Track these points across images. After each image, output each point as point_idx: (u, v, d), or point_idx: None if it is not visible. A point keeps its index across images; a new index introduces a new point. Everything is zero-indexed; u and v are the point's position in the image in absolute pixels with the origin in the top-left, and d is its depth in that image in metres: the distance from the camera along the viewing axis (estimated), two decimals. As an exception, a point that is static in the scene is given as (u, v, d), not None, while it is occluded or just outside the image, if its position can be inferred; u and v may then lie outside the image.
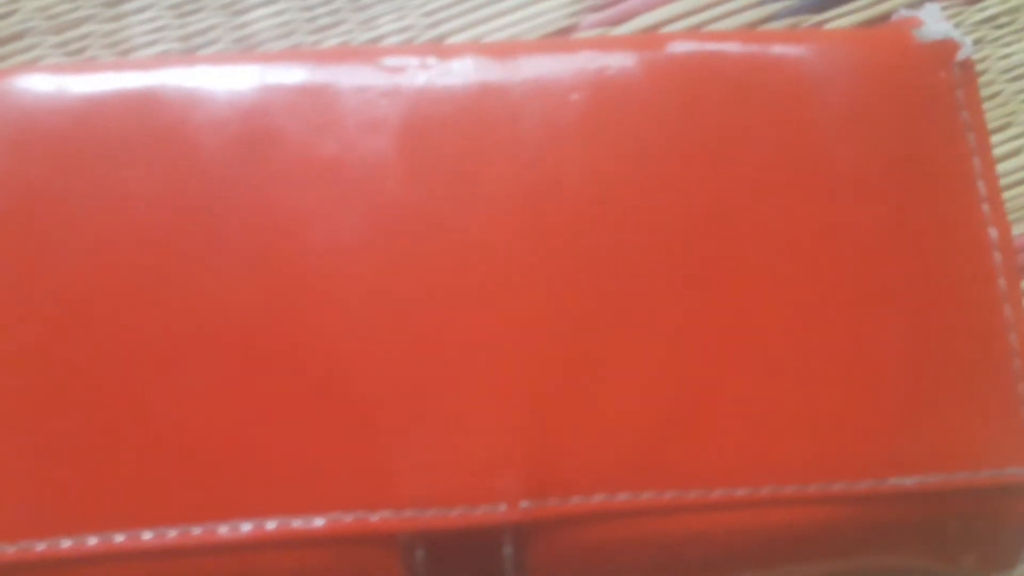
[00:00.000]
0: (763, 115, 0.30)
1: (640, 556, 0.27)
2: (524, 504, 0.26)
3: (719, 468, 0.27)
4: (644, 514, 0.27)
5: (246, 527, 0.26)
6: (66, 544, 0.26)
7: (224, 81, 0.30)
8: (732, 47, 0.31)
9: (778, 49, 0.31)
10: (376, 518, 0.26)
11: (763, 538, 0.27)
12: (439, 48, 0.31)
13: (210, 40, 0.36)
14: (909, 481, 0.27)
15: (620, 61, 0.30)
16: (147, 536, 0.26)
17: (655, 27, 0.36)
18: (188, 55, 0.35)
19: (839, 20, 0.37)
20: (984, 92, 0.36)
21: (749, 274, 0.28)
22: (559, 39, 0.36)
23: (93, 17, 0.36)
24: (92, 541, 0.26)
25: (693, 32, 0.35)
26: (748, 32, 0.35)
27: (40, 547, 0.26)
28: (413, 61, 0.30)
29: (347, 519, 0.26)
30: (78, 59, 0.36)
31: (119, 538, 0.26)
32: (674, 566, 0.27)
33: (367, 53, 0.31)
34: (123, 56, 0.36)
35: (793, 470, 0.27)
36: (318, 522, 0.26)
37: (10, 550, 0.26)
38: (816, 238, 0.29)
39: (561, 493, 0.27)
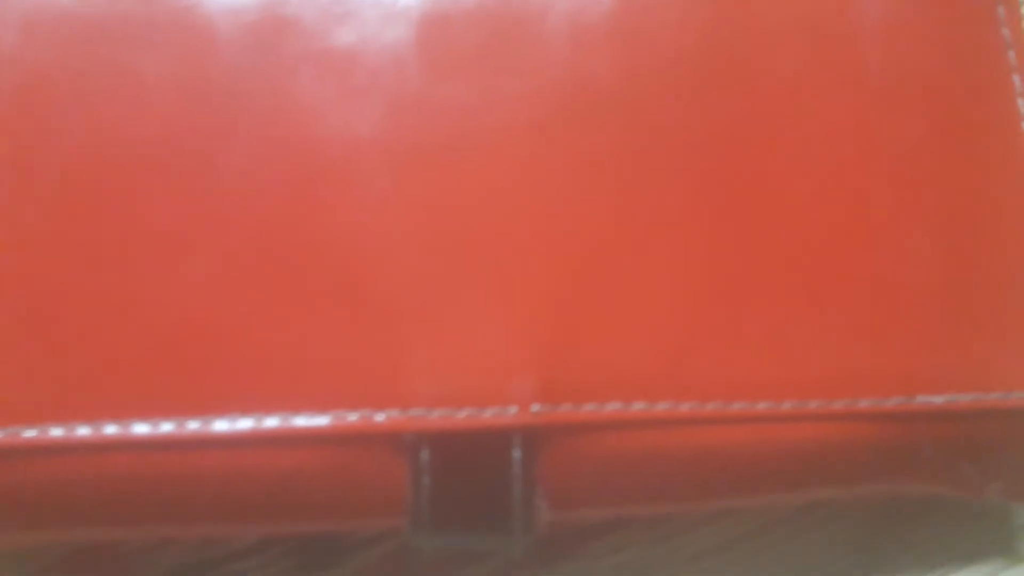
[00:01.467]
0: (799, 23, 0.28)
1: (654, 469, 0.26)
2: (535, 408, 0.25)
3: (740, 381, 0.26)
4: (659, 425, 0.26)
5: (245, 423, 0.25)
6: (56, 432, 0.25)
7: (239, -34, 0.28)
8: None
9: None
10: (382, 417, 0.25)
11: (784, 456, 0.26)
12: (462, -58, 0.30)
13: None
14: (938, 399, 0.26)
15: (652, -40, 0.29)
16: (140, 428, 0.25)
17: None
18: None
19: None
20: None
21: (779, 186, 0.27)
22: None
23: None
24: (83, 431, 0.25)
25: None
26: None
27: (29, 434, 0.25)
28: (435, -47, 0.29)
29: (351, 417, 0.25)
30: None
31: (110, 428, 0.25)
32: (690, 482, 0.26)
33: (388, -56, 0.29)
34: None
35: (818, 385, 0.26)
36: (321, 420, 0.25)
37: (2, 435, 0.25)
38: (850, 150, 0.28)
39: (574, 399, 0.25)
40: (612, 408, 0.26)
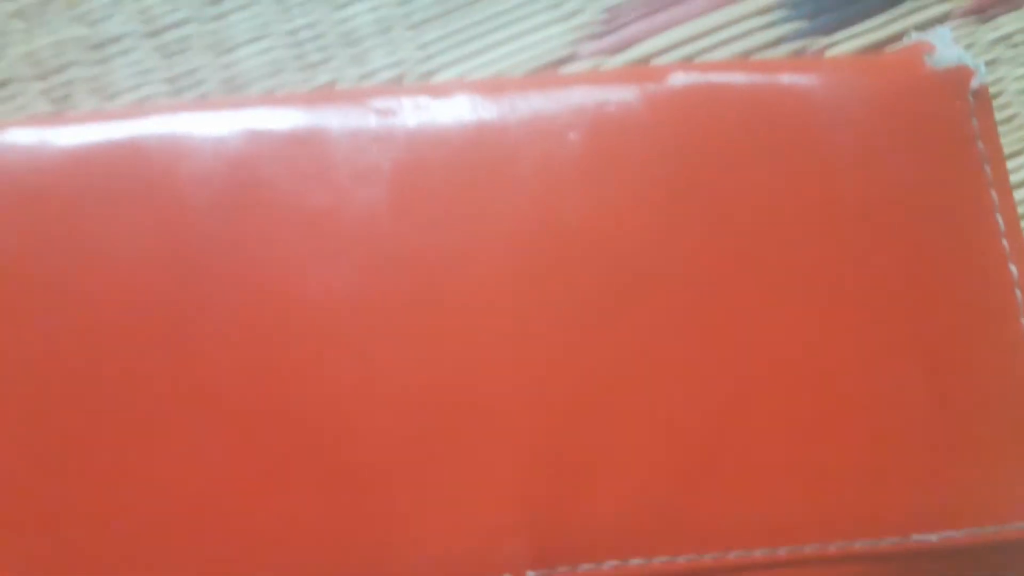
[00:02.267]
0: (770, 150, 0.29)
1: (655, 622, 0.26)
2: (530, 574, 0.25)
3: (735, 529, 0.26)
4: (657, 579, 0.26)
5: (241, 603, 0.25)
6: (53, 626, 0.25)
7: (209, 129, 0.29)
8: (736, 78, 0.29)
9: (784, 79, 0.30)
10: (377, 589, 0.25)
11: (782, 600, 0.26)
12: (432, 88, 0.30)
13: (197, 80, 0.35)
14: (933, 537, 0.26)
15: (618, 96, 0.29)
16: (137, 614, 0.25)
17: (656, 54, 0.35)
18: (171, 102, 0.34)
19: (848, 43, 0.35)
20: (999, 115, 0.34)
21: (760, 322, 0.27)
22: (555, 74, 0.34)
23: (77, 62, 0.35)
24: (80, 622, 0.25)
25: (695, 63, 0.33)
26: (753, 62, 0.34)
27: (26, 629, 0.25)
28: (405, 102, 0.29)
29: (347, 592, 0.25)
30: (63, 105, 0.35)
31: (109, 617, 0.25)
32: (690, 632, 0.26)
33: (357, 95, 0.30)
34: (109, 100, 0.35)
35: (813, 529, 0.26)
36: (317, 596, 0.25)
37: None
38: (830, 281, 0.28)
39: (570, 560, 0.25)
40: (609, 567, 0.26)
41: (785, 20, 0.36)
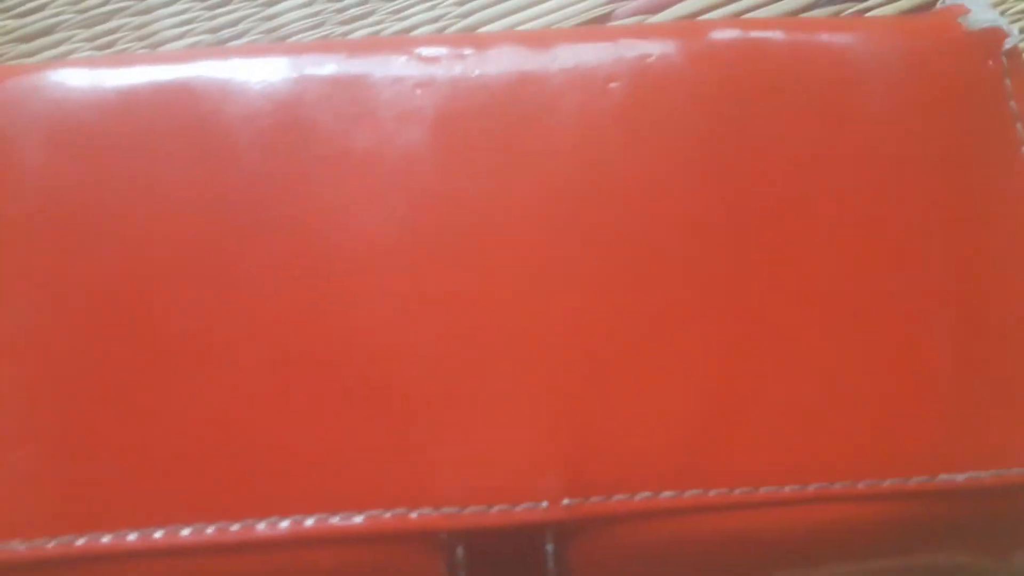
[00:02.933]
0: (807, 105, 0.29)
1: (684, 555, 0.26)
2: (566, 502, 0.26)
3: (765, 465, 0.27)
4: (689, 512, 0.26)
5: (284, 524, 0.26)
6: (106, 539, 0.25)
7: (257, 72, 0.29)
8: (775, 35, 0.30)
9: (822, 38, 0.30)
10: (415, 515, 0.26)
11: (811, 536, 0.27)
12: (474, 38, 0.31)
13: (240, 32, 0.36)
14: (960, 477, 0.27)
15: (660, 49, 0.30)
16: (185, 533, 0.26)
17: (693, 15, 0.36)
18: (220, 47, 0.35)
19: (882, 8, 0.36)
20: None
21: (792, 267, 0.28)
22: (596, 27, 0.35)
23: (123, 11, 0.36)
24: (132, 537, 0.25)
25: (735, 19, 0.34)
26: (791, 19, 0.34)
27: (80, 542, 0.25)
28: (448, 51, 0.30)
29: (386, 516, 0.26)
30: (109, 53, 0.35)
31: (158, 534, 0.26)
32: (719, 565, 0.27)
33: (401, 43, 0.30)
34: (153, 49, 0.35)
35: (841, 467, 0.27)
36: (357, 519, 0.26)
37: (50, 545, 0.25)
38: (861, 230, 0.28)
39: (604, 491, 0.26)
40: (641, 498, 0.26)
41: (819, -15, 0.36)
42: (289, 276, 0.27)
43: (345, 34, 0.36)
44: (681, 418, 0.27)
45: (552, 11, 0.36)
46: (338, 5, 0.36)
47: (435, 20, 0.36)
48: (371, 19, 0.36)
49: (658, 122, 0.29)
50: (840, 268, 0.28)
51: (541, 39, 0.30)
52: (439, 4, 0.36)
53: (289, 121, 0.29)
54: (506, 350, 0.27)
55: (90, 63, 0.30)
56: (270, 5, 0.36)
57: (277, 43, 0.35)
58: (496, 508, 0.26)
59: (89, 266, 0.27)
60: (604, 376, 0.27)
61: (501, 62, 0.29)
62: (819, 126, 0.29)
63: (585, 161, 0.28)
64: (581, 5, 0.36)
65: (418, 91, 0.29)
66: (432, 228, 0.28)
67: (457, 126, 0.29)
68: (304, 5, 0.36)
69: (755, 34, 0.30)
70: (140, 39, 0.35)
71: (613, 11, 0.36)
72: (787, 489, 0.26)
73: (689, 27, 0.31)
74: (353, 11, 0.36)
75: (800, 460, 0.27)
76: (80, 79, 0.29)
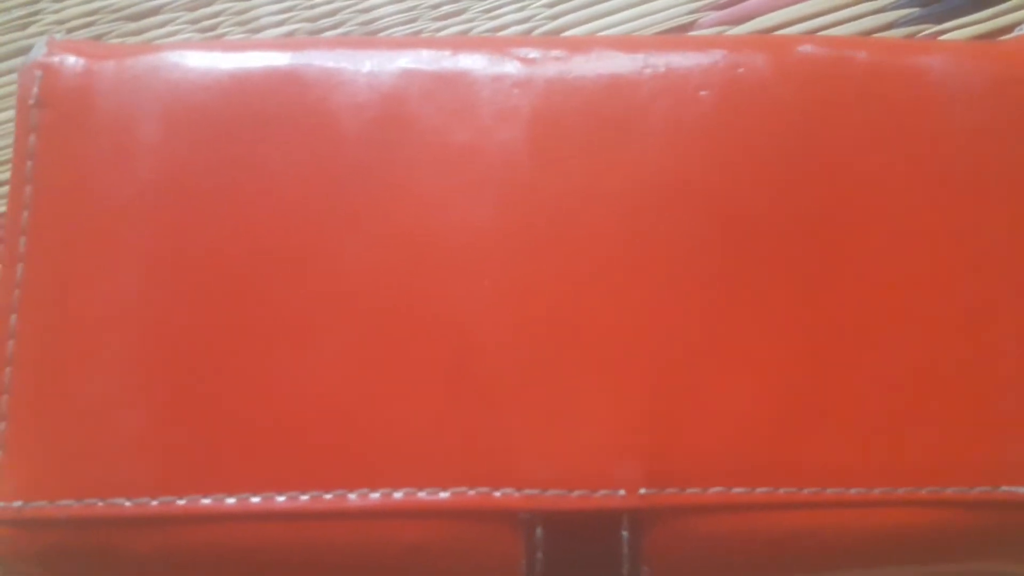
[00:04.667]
0: (889, 122, 0.30)
1: (751, 549, 0.28)
2: (643, 491, 0.27)
3: (833, 467, 0.28)
4: (758, 509, 0.28)
5: (375, 496, 0.27)
6: (206, 502, 0.27)
7: (363, 64, 0.31)
8: (861, 54, 0.31)
9: (906, 58, 0.31)
10: (499, 495, 0.27)
11: (873, 538, 0.28)
12: (571, 41, 0.32)
13: (337, 23, 0.37)
14: (1022, 489, 0.28)
15: (750, 60, 0.31)
16: (280, 499, 0.27)
17: (773, 29, 0.37)
18: (329, 38, 0.36)
19: (958, 31, 0.37)
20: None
21: (870, 277, 0.29)
22: (688, 36, 0.36)
23: (227, -5, 0.37)
24: (230, 501, 0.27)
25: (822, 37, 0.35)
26: (876, 39, 0.35)
27: (181, 502, 0.27)
28: (546, 53, 0.31)
29: (471, 494, 0.27)
30: (210, 36, 0.37)
31: (255, 500, 0.27)
32: (783, 561, 0.28)
33: (501, 43, 0.32)
34: (253, 34, 0.37)
35: (906, 473, 0.28)
36: (443, 495, 0.27)
37: (153, 503, 0.27)
38: (937, 245, 0.29)
39: (679, 483, 0.27)
40: (714, 492, 0.27)
41: (899, 6, 0.37)
42: (388, 261, 0.29)
43: (438, 30, 0.37)
44: (755, 417, 0.28)
45: (638, 17, 0.37)
46: (432, 1, 0.37)
47: (525, 20, 0.37)
48: (463, 16, 0.37)
49: (745, 131, 0.30)
50: (915, 280, 0.29)
51: (635, 45, 0.31)
52: (529, 5, 0.37)
53: (393, 114, 0.30)
54: (593, 342, 0.28)
55: (205, 46, 0.31)
56: (367, -2, 0.37)
57: (382, 37, 0.36)
58: (576, 492, 0.27)
59: (199, 241, 0.29)
60: (685, 372, 0.28)
61: (596, 66, 0.31)
62: (900, 144, 0.30)
63: (674, 165, 0.30)
64: (666, 12, 0.37)
65: (516, 90, 0.30)
66: (526, 222, 0.29)
67: (552, 125, 0.30)
68: (399, 0, 0.37)
69: (842, 52, 0.31)
70: (240, 24, 0.37)
71: (697, 20, 0.37)
72: (853, 491, 0.28)
73: (778, 41, 0.32)
74: (446, 8, 0.37)
75: (866, 464, 0.28)
76: (196, 61, 0.30)
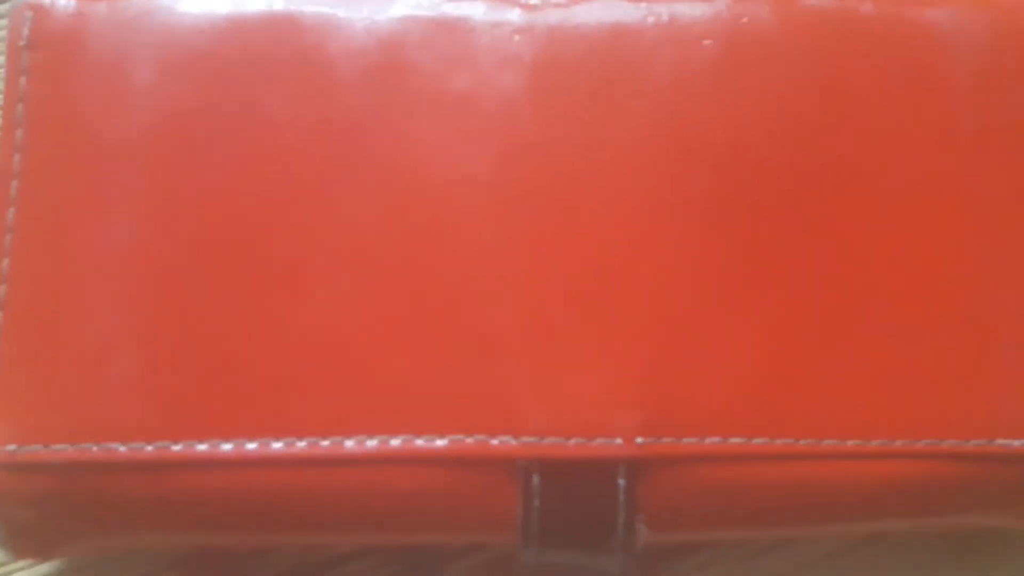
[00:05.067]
0: (896, 72, 0.30)
1: (747, 500, 0.28)
2: (639, 440, 0.27)
3: (830, 419, 0.28)
4: (754, 459, 0.28)
5: (371, 443, 0.27)
6: (202, 447, 0.27)
7: (360, 10, 0.30)
8: (866, 5, 0.31)
9: (911, 9, 0.31)
10: (496, 442, 0.27)
11: (869, 490, 0.28)
12: (572, -11, 0.32)
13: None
14: (1017, 443, 0.28)
15: (754, 9, 0.30)
16: (277, 446, 0.27)
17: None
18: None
19: (963, -16, 0.36)
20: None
21: (874, 229, 0.29)
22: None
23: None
24: (226, 447, 0.27)
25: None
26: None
27: (176, 448, 0.27)
28: None
29: (468, 441, 0.27)
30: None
31: (251, 445, 0.27)
32: (779, 512, 0.28)
33: (502, -11, 0.31)
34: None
35: (903, 425, 0.28)
36: (440, 442, 0.27)
37: (149, 448, 0.27)
38: (942, 198, 0.29)
39: (675, 433, 0.27)
40: (711, 442, 0.27)
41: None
42: (386, 207, 0.28)
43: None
44: (754, 368, 0.28)
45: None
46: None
47: (524, -31, 0.36)
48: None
49: (749, 81, 0.30)
50: (919, 234, 0.29)
51: (639, -7, 0.31)
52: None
53: (391, 60, 0.29)
54: (591, 291, 0.28)
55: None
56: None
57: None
58: (573, 440, 0.27)
59: (195, 183, 0.28)
60: (685, 323, 0.28)
61: (599, 13, 0.30)
62: (907, 94, 0.30)
63: (676, 114, 0.29)
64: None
65: (516, 37, 0.30)
66: (525, 171, 0.29)
67: (553, 73, 0.30)
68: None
69: (846, 3, 0.31)
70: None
71: (699, -28, 0.37)
72: (850, 443, 0.28)
73: (781, -9, 0.31)
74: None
75: (864, 416, 0.28)
76: (191, 4, 0.30)
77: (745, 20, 0.30)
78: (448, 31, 0.30)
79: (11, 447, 0.27)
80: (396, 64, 0.29)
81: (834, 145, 0.29)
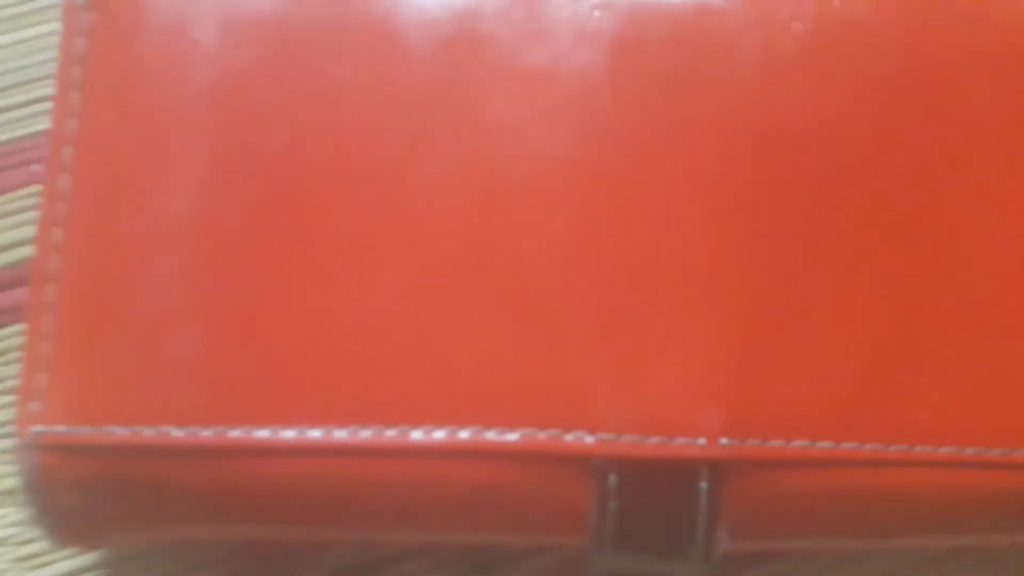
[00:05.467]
0: (993, 61, 0.28)
1: (834, 508, 0.26)
2: (723, 441, 0.26)
3: (923, 425, 0.26)
4: (843, 465, 0.26)
5: (439, 434, 0.26)
6: (262, 434, 0.26)
7: (433, -22, 0.29)
8: (965, -7, 0.29)
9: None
10: (570, 438, 0.26)
11: (963, 500, 0.26)
12: (654, -36, 0.30)
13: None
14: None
15: (846, -6, 0.29)
16: (340, 434, 0.26)
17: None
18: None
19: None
20: None
21: (967, 224, 0.27)
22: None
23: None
24: (288, 434, 0.26)
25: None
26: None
27: (234, 433, 0.26)
28: (630, -25, 0.29)
29: (541, 436, 0.26)
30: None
31: (313, 433, 0.26)
32: (866, 521, 0.27)
33: (581, -37, 0.30)
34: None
35: (999, 434, 0.26)
36: (511, 436, 0.26)
37: (206, 433, 0.25)
38: (1035, 197, 0.28)
39: (762, 435, 0.26)
40: (798, 445, 0.26)
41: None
42: (457, 186, 0.27)
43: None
44: (843, 369, 0.26)
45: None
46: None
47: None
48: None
49: (840, 67, 0.28)
50: (1014, 230, 0.27)
51: (721, -28, 0.30)
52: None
53: (465, 32, 0.28)
54: (673, 282, 0.27)
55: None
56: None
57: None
58: (653, 439, 0.26)
59: (258, 156, 0.27)
60: (771, 319, 0.26)
61: (682, -9, 0.29)
62: (1001, 86, 0.28)
63: (762, 99, 0.28)
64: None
65: (596, 12, 0.28)
66: (603, 155, 0.27)
67: (633, 52, 0.28)
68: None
69: (945, -10, 0.29)
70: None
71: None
72: (943, 451, 0.26)
73: (876, -26, 0.30)
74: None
75: (958, 423, 0.26)
76: (258, -28, 0.28)
77: (838, 2, 0.29)
78: (525, 3, 0.28)
79: (61, 427, 0.25)
80: (470, 36, 0.28)
81: (927, 136, 0.28)
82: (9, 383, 0.32)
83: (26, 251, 0.33)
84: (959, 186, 0.28)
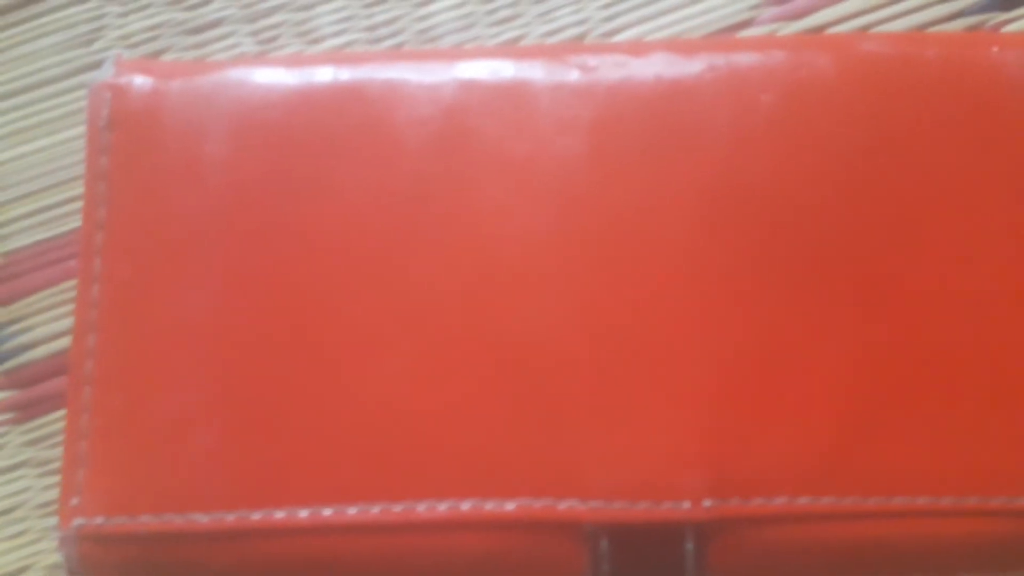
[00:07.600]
0: (963, 119, 0.30)
1: (818, 559, 0.28)
2: (707, 503, 0.27)
3: (900, 476, 0.28)
4: (824, 519, 0.27)
5: (442, 507, 0.28)
6: (280, 515, 0.28)
7: (424, 78, 0.31)
8: (928, 51, 0.31)
9: (975, 54, 0.31)
10: (563, 506, 0.28)
11: (941, 548, 0.28)
12: (629, 45, 0.32)
13: (394, 31, 0.37)
14: (1095, 501, 0.27)
15: (812, 61, 0.30)
16: (352, 511, 0.28)
17: (835, 23, 0.36)
18: (390, 51, 0.37)
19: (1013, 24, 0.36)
20: None
21: (937, 282, 0.29)
22: (748, 37, 0.36)
23: (285, 7, 0.38)
24: (303, 514, 0.28)
25: (887, 34, 0.34)
26: (939, 34, 0.35)
27: (255, 516, 0.28)
28: (605, 59, 0.31)
29: (536, 505, 0.28)
30: (270, 47, 0.37)
31: (327, 512, 0.28)
32: (851, 569, 0.28)
33: (559, 51, 0.32)
34: (313, 44, 0.37)
35: (975, 482, 0.27)
36: (509, 506, 0.28)
37: (229, 518, 0.28)
38: (1013, 249, 0.29)
39: (743, 494, 0.27)
40: (779, 502, 0.27)
41: (965, -6, 0.36)
42: (450, 273, 0.29)
43: (493, 35, 0.37)
44: (820, 425, 0.28)
45: (694, 16, 0.37)
46: (488, 7, 0.37)
47: (580, 23, 0.37)
48: (519, 21, 0.37)
49: (809, 135, 0.30)
50: (983, 287, 0.29)
51: (693, 48, 0.31)
52: (585, 7, 0.37)
53: (455, 127, 0.30)
54: (655, 351, 0.28)
55: (270, 63, 0.32)
56: (423, 5, 0.37)
57: (441, 49, 0.36)
58: (641, 505, 0.27)
59: (269, 256, 0.30)
60: (749, 381, 0.28)
61: (655, 71, 0.31)
62: (969, 151, 0.30)
63: (736, 171, 0.29)
64: (722, 12, 0.37)
65: (576, 100, 0.30)
66: (587, 232, 0.29)
67: (612, 134, 0.30)
68: (456, 6, 0.37)
69: (907, 49, 0.31)
70: (300, 35, 0.37)
71: (753, 18, 0.37)
72: (920, 501, 0.27)
73: (840, 40, 0.31)
74: (502, 12, 0.37)
75: (934, 473, 0.28)
76: (262, 79, 0.31)
77: (803, 71, 0.30)
78: (509, 95, 0.31)
79: (99, 519, 0.28)
80: (459, 130, 0.30)
81: (898, 196, 0.29)
82: (54, 464, 0.34)
83: (66, 342, 0.35)
84: (932, 244, 0.29)
